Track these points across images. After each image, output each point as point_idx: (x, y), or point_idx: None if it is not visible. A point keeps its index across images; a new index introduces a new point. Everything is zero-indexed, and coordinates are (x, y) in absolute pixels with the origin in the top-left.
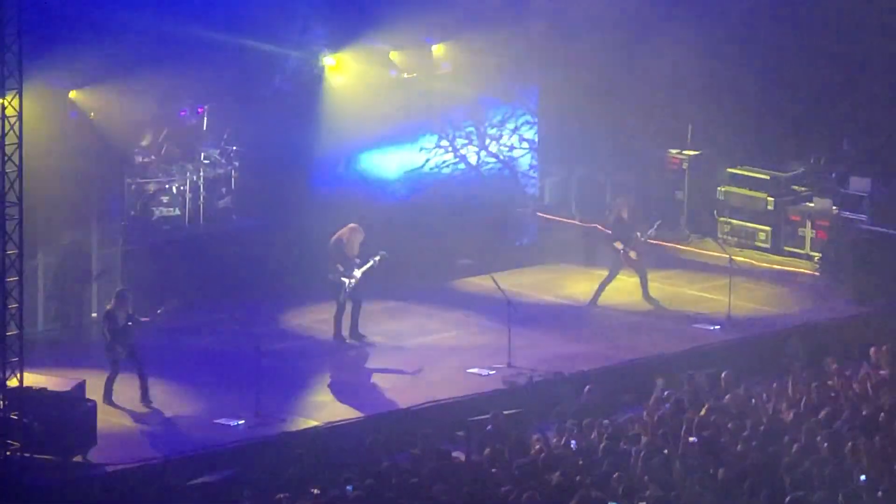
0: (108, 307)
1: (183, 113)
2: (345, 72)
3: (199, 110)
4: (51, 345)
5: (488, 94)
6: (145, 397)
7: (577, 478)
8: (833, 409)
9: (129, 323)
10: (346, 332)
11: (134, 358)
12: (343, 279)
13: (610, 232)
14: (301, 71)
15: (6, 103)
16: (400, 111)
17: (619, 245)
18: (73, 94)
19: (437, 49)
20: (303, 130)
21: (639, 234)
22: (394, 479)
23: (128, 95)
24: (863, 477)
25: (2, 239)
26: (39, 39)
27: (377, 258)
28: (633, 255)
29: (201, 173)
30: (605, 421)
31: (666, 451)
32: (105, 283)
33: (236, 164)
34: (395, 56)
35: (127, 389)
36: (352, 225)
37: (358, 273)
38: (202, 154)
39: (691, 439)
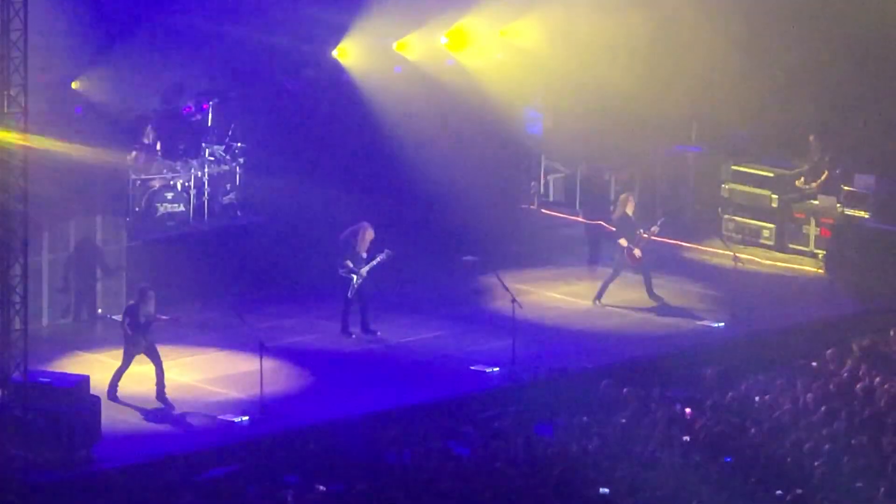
0: (131, 303)
1: (187, 109)
2: (350, 66)
3: (204, 106)
4: (56, 340)
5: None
6: (161, 394)
7: (581, 474)
8: (835, 408)
9: (150, 320)
10: (352, 328)
11: (152, 355)
12: (351, 275)
13: (614, 229)
14: (307, 66)
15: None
16: (405, 105)
17: (623, 242)
18: (75, 85)
19: (445, 43)
20: (308, 125)
21: (642, 231)
22: (398, 475)
23: (132, 89)
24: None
25: (6, 234)
26: (43, 32)
27: (382, 256)
28: (637, 252)
29: (206, 169)
30: (622, 419)
31: (672, 448)
32: (111, 280)
33: (241, 160)
34: (401, 49)
35: (131, 385)
36: (364, 224)
37: (364, 271)
38: (206, 150)
39: (685, 438)
